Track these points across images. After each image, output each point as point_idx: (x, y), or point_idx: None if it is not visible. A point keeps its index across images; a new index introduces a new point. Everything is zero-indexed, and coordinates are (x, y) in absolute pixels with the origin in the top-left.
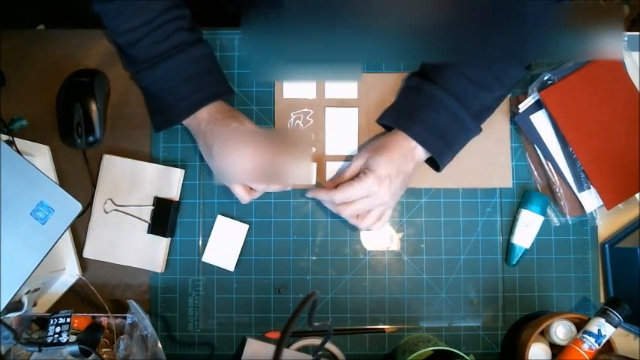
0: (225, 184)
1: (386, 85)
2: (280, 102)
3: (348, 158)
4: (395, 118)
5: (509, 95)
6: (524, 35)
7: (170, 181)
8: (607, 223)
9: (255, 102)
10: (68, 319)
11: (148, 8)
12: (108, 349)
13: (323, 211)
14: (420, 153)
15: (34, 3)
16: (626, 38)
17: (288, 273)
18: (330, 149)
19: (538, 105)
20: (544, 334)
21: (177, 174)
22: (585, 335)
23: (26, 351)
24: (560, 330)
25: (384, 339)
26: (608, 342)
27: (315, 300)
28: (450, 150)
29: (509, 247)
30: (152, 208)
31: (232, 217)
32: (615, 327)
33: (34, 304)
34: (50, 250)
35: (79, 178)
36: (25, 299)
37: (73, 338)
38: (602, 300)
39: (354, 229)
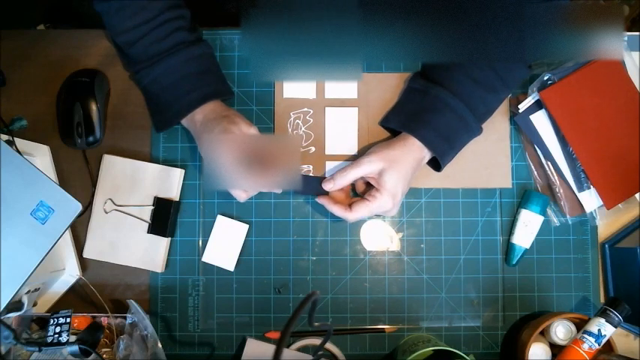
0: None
1: (386, 85)
2: (280, 102)
3: (348, 158)
4: (403, 122)
5: (509, 95)
6: (524, 35)
7: (170, 181)
8: (607, 223)
9: (255, 102)
10: (68, 319)
11: (148, 7)
12: (108, 349)
13: (323, 212)
14: (426, 157)
15: (34, 3)
16: (626, 38)
17: (288, 273)
18: (329, 149)
19: (538, 105)
20: (544, 334)
21: (178, 174)
22: (585, 335)
23: (26, 351)
24: (560, 330)
25: (384, 339)
26: (608, 342)
27: (315, 300)
28: (452, 151)
29: (509, 247)
30: (152, 208)
31: (232, 217)
32: (615, 327)
33: (34, 304)
34: (50, 250)
35: (79, 178)
36: (25, 299)
37: (73, 338)
38: (602, 300)
39: (354, 229)
